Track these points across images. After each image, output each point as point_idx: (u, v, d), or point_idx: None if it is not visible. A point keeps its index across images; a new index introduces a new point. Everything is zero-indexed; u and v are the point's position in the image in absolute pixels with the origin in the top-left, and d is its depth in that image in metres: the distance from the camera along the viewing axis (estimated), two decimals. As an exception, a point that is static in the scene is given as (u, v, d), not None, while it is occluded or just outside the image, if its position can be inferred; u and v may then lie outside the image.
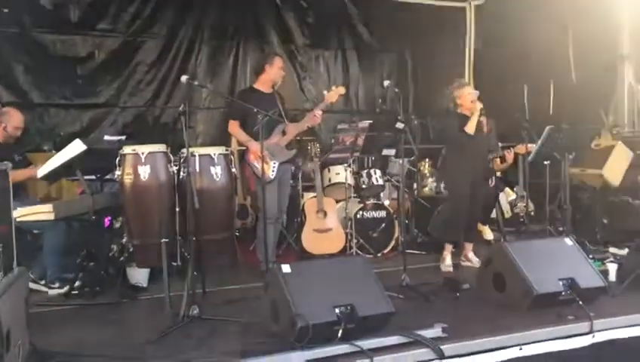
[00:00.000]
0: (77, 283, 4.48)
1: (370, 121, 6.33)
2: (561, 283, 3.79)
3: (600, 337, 3.52)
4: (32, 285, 4.47)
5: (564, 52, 7.27)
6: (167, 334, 3.46)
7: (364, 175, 6.21)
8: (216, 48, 7.52)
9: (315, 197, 5.82)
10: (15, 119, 4.83)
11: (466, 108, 5.08)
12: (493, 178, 5.48)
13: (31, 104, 6.53)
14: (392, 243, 6.02)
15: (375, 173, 6.23)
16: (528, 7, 7.35)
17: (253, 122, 4.60)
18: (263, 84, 5.13)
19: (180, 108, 3.82)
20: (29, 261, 4.56)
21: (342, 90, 5.28)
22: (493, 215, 6.55)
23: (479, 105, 5.04)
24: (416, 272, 4.86)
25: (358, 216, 5.94)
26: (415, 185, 6.66)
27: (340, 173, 6.14)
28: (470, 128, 5.01)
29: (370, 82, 8.38)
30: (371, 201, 6.11)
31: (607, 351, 3.52)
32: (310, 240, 5.65)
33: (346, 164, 6.08)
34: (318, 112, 5.11)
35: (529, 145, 5.39)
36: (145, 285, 4.70)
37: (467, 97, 5.08)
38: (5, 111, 4.90)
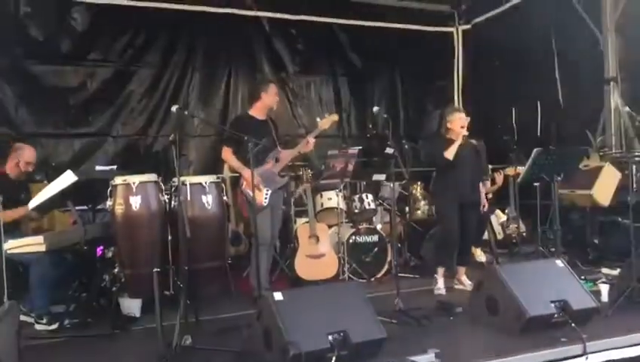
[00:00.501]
0: (66, 322, 4.43)
1: (360, 147, 6.38)
2: (553, 305, 3.79)
3: (594, 359, 3.52)
4: (23, 317, 4.44)
5: (551, 74, 7.37)
6: (159, 365, 3.44)
7: (357, 199, 6.23)
8: (208, 76, 7.58)
9: (307, 222, 5.83)
10: (28, 154, 4.81)
11: (455, 133, 5.15)
12: (486, 204, 5.49)
13: (23, 134, 6.52)
14: (385, 267, 6.02)
15: (367, 198, 6.26)
16: (514, 30, 7.48)
17: (247, 149, 4.63)
18: (257, 111, 5.18)
19: (171, 138, 3.85)
20: (21, 293, 4.53)
21: (335, 117, 5.34)
22: (486, 236, 6.57)
23: (463, 132, 5.11)
24: (410, 296, 4.86)
25: (351, 240, 5.95)
26: (407, 209, 6.69)
27: (332, 198, 6.16)
28: (449, 153, 5.06)
29: (361, 107, 8.45)
30: (364, 226, 6.12)
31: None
32: (303, 266, 5.64)
33: (337, 190, 6.10)
34: (312, 139, 5.16)
35: (518, 167, 5.44)
36: (138, 315, 4.66)
37: (457, 122, 5.15)
38: (18, 146, 4.87)
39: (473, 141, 5.30)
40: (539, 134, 7.49)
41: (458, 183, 5.17)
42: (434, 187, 5.46)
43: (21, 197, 4.65)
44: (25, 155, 4.80)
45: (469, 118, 5.16)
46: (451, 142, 5.12)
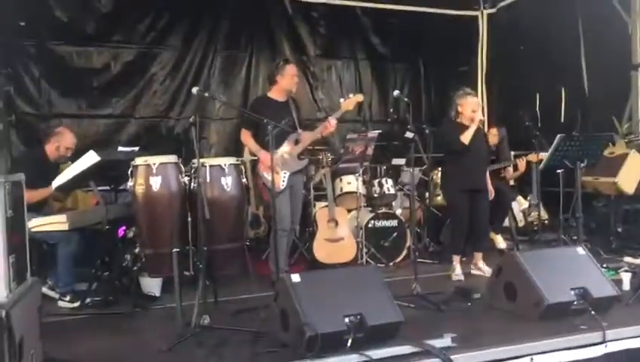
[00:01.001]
0: (88, 300, 4.52)
1: (380, 131, 6.33)
2: (573, 292, 3.75)
3: (613, 347, 3.47)
4: (47, 292, 4.54)
5: (577, 60, 7.23)
6: (178, 343, 3.49)
7: (376, 184, 6.22)
8: (229, 59, 7.60)
9: (326, 206, 5.83)
10: (68, 139, 4.90)
11: (466, 118, 5.10)
12: (492, 191, 5.41)
13: (46, 115, 6.64)
14: (404, 252, 6.01)
15: (387, 183, 6.24)
16: (540, 15, 7.34)
17: (265, 132, 4.62)
18: (276, 93, 5.12)
19: (191, 120, 3.87)
20: (45, 271, 4.63)
21: (360, 97, 5.23)
22: (506, 223, 6.52)
23: (479, 116, 5.06)
24: (428, 281, 4.84)
25: (370, 225, 5.95)
26: (427, 194, 6.65)
27: (352, 183, 6.16)
28: (466, 138, 5.01)
29: (382, 92, 8.40)
30: (383, 210, 6.11)
31: (621, 361, 3.48)
32: (322, 250, 5.66)
33: (357, 174, 6.09)
34: (333, 121, 5.07)
35: (541, 153, 5.38)
36: (158, 294, 4.74)
37: (468, 107, 5.09)
38: (59, 131, 4.97)
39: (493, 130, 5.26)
40: (562, 120, 7.38)
41: (472, 169, 5.13)
42: (444, 174, 5.40)
43: (52, 179, 4.73)
44: (66, 140, 4.89)
45: (480, 102, 5.11)
46: (463, 126, 5.07)
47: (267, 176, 4.81)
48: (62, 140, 4.87)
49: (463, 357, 3.19)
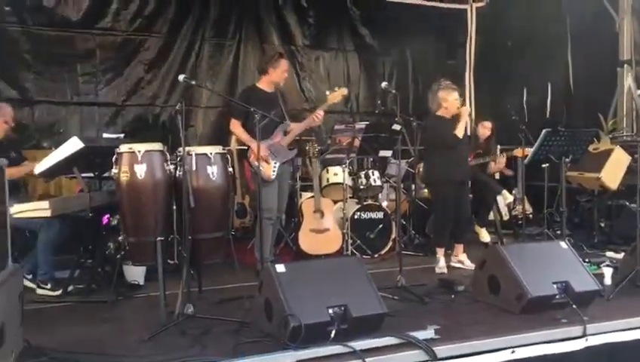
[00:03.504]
0: (70, 288, 4.49)
1: (367, 122, 6.34)
2: (555, 286, 3.78)
3: (593, 341, 3.51)
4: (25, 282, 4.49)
5: (563, 56, 7.28)
6: (161, 332, 3.47)
7: (363, 176, 6.22)
8: (216, 47, 7.55)
9: (312, 197, 5.83)
10: (7, 112, 4.81)
11: (450, 113, 5.15)
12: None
13: (31, 101, 6.57)
14: (389, 244, 6.03)
15: (373, 174, 6.24)
16: (529, 10, 7.37)
17: (254, 122, 4.60)
18: (265, 84, 5.12)
19: (177, 107, 3.83)
20: (23, 258, 4.59)
21: (344, 91, 5.25)
22: (491, 217, 6.56)
23: (468, 109, 5.11)
24: (412, 274, 4.87)
25: (356, 216, 5.95)
26: (413, 187, 6.67)
27: (338, 174, 6.15)
28: (460, 132, 5.10)
29: (370, 83, 8.39)
30: (369, 202, 6.12)
31: (601, 355, 3.52)
32: (307, 241, 5.66)
33: (344, 165, 6.09)
34: (320, 113, 5.09)
35: (526, 148, 5.41)
36: (141, 283, 4.72)
37: (454, 103, 5.19)
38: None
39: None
40: (548, 116, 7.43)
41: (460, 161, 5.22)
42: (432, 167, 5.39)
43: (12, 156, 4.65)
44: (5, 113, 4.79)
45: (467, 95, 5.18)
46: (448, 120, 5.16)
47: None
48: (3, 115, 4.77)
49: (445, 349, 3.20)
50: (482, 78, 8.54)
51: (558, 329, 3.50)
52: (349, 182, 6.11)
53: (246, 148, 5.10)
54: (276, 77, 5.07)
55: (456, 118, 5.15)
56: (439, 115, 5.23)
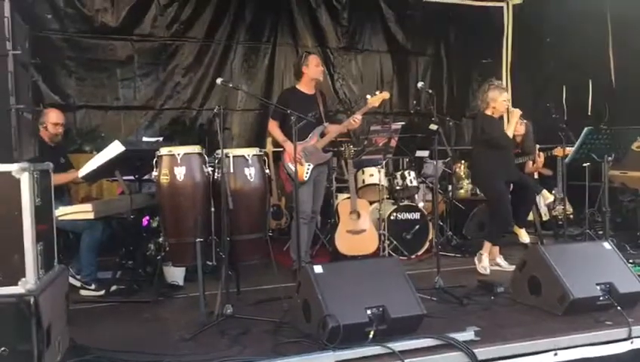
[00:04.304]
0: (113, 288, 4.60)
1: (403, 123, 6.30)
2: (598, 287, 3.70)
3: (639, 343, 3.43)
4: (71, 280, 4.61)
5: (604, 52, 7.11)
6: (201, 332, 3.53)
7: (399, 176, 6.19)
8: (251, 50, 7.63)
9: (348, 198, 5.82)
10: (52, 116, 4.92)
11: (498, 113, 5.12)
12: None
13: (73, 106, 6.75)
14: (426, 245, 5.98)
15: (409, 175, 6.21)
16: (567, 6, 7.22)
17: (291, 123, 4.62)
18: (304, 85, 5.15)
19: (215, 110, 3.88)
20: (69, 259, 4.70)
21: (386, 95, 5.26)
22: (530, 217, 6.44)
23: (519, 111, 5.06)
24: (450, 275, 4.83)
25: (392, 217, 5.92)
26: (450, 187, 6.61)
27: (374, 175, 6.13)
28: (511, 132, 5.08)
29: (404, 83, 8.35)
30: (405, 203, 6.08)
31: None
32: (343, 242, 5.65)
33: (379, 166, 6.07)
34: (358, 117, 5.10)
35: (567, 147, 5.30)
36: (181, 283, 4.79)
37: (504, 104, 5.13)
38: (45, 112, 5.02)
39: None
40: (589, 113, 7.26)
41: (509, 161, 5.23)
42: (485, 166, 5.27)
43: (61, 162, 4.79)
44: (50, 117, 4.89)
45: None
46: (497, 120, 5.11)
47: (292, 166, 4.83)
48: (47, 119, 4.87)
49: (486, 351, 3.17)
50: (519, 76, 8.39)
51: (602, 332, 3.42)
52: (385, 182, 6.09)
53: (281, 149, 5.13)
54: (312, 73, 5.10)
55: (503, 118, 5.11)
56: (490, 115, 5.17)
